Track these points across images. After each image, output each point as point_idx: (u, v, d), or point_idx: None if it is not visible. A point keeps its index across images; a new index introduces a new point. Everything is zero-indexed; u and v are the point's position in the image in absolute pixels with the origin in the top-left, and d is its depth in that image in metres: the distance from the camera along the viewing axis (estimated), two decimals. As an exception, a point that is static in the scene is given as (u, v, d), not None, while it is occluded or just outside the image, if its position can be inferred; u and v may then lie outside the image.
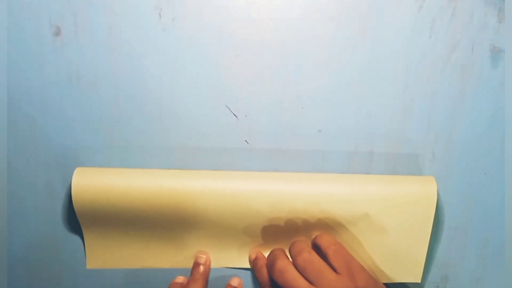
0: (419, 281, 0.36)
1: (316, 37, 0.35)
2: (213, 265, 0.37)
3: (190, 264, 0.37)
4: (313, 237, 0.35)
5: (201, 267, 0.36)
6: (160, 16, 0.34)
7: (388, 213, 0.35)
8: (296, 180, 0.35)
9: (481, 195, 0.38)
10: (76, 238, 0.37)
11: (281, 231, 0.36)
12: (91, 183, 0.34)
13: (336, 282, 0.31)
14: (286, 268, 0.32)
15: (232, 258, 0.37)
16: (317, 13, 0.35)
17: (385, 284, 0.35)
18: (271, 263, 0.33)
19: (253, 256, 0.37)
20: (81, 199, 0.34)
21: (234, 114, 0.36)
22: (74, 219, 0.37)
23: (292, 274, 0.32)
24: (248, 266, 0.37)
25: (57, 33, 0.34)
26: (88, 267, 0.37)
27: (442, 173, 0.37)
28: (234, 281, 0.37)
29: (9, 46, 0.34)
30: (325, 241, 0.34)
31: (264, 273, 0.34)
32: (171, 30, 0.35)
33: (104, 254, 0.37)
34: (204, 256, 0.37)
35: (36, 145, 0.36)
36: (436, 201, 0.35)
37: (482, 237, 0.38)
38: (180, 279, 0.37)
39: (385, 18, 0.35)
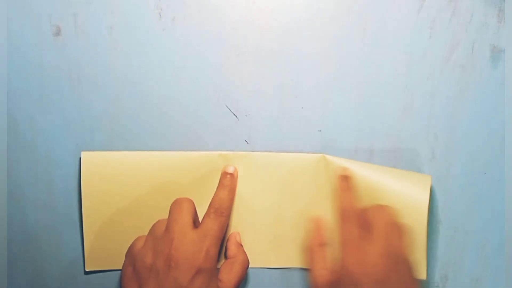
0: (424, 277, 0.36)
1: (316, 37, 0.35)
2: None
3: None
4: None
5: (229, 176, 0.36)
6: (160, 16, 0.34)
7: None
8: None
9: (481, 195, 0.38)
10: (76, 238, 0.37)
11: None
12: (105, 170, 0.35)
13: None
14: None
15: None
16: (317, 13, 0.35)
17: None
18: None
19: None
20: (90, 186, 0.35)
21: (234, 114, 0.36)
22: (74, 219, 0.37)
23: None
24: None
25: (57, 33, 0.34)
26: (87, 269, 0.37)
27: (442, 172, 0.37)
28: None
29: (9, 46, 0.34)
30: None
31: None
32: (171, 30, 0.35)
33: (103, 256, 0.36)
34: (233, 166, 0.36)
35: (36, 145, 0.36)
36: (428, 201, 0.34)
37: (482, 237, 0.38)
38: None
39: (385, 18, 0.35)
